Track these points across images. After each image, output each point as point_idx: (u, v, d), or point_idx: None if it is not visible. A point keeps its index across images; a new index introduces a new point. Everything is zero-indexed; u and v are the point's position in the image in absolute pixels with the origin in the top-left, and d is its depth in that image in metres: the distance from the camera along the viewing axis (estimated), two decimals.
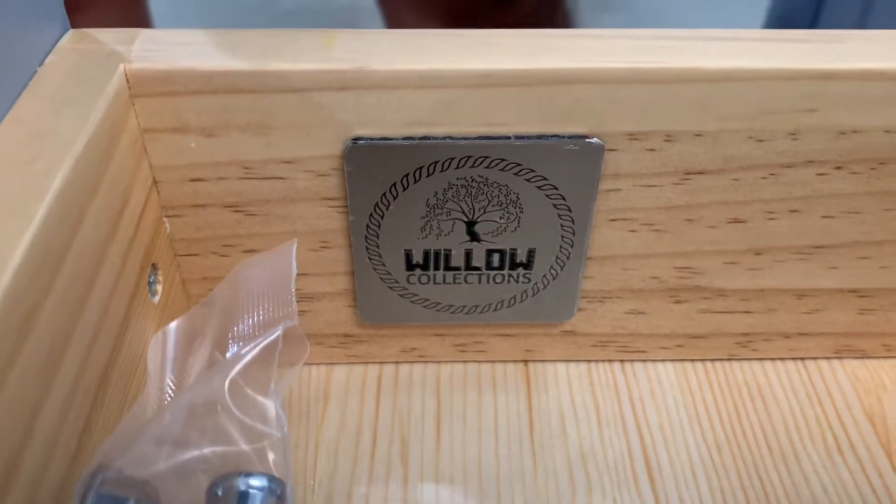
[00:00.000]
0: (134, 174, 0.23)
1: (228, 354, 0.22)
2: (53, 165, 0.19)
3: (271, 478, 0.20)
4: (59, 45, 0.23)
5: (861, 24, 0.69)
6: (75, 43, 0.24)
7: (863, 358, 0.31)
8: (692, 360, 0.31)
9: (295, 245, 0.23)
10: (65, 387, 0.19)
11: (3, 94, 0.21)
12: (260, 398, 0.22)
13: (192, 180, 0.25)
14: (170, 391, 0.23)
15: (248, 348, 0.21)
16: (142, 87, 0.23)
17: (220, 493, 0.20)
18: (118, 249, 0.22)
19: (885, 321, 0.30)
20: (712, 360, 0.31)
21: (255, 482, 0.20)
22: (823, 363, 0.31)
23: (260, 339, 0.21)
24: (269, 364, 0.22)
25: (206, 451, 0.21)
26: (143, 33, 0.24)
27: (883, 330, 0.30)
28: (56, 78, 0.22)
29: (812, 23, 0.74)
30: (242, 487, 0.20)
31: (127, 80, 0.22)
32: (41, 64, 0.23)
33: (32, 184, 0.19)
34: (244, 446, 0.21)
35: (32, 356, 0.17)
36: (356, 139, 0.24)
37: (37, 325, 0.18)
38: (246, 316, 0.22)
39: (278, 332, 0.21)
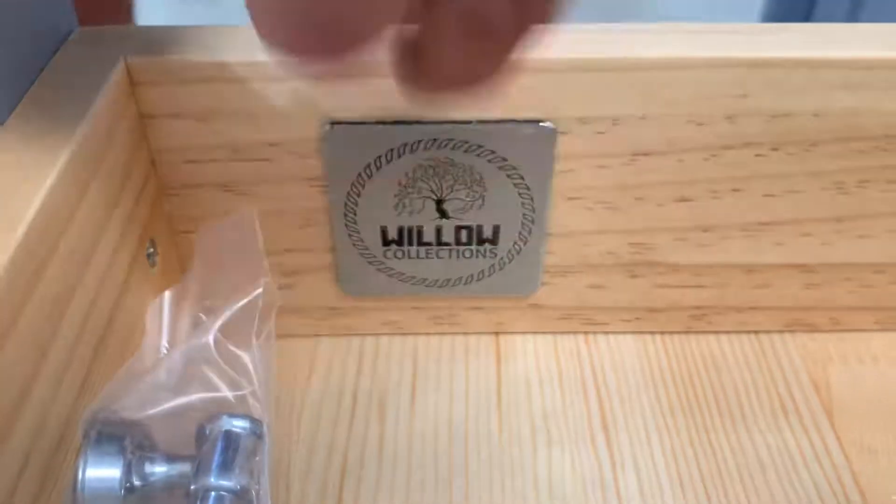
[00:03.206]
0: (133, 155, 0.26)
1: (210, 315, 0.25)
2: (61, 141, 0.22)
3: (252, 419, 0.23)
4: (68, 40, 0.26)
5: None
6: (82, 38, 0.26)
7: (812, 332, 0.33)
8: (651, 333, 0.33)
9: (255, 213, 0.25)
10: (69, 334, 0.22)
11: (21, 81, 0.24)
12: (242, 353, 0.24)
13: (188, 162, 0.27)
14: (164, 349, 0.26)
15: (228, 306, 0.24)
16: (141, 76, 0.25)
17: (207, 433, 0.23)
18: (118, 220, 0.25)
19: (830, 296, 0.32)
20: (670, 332, 0.33)
21: (239, 422, 0.23)
22: (775, 336, 0.33)
23: (239, 298, 0.24)
24: (249, 322, 0.24)
25: (195, 397, 0.23)
26: (142, 30, 0.27)
27: (829, 304, 0.32)
28: (66, 68, 0.25)
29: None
30: (227, 427, 0.23)
31: (128, 71, 0.25)
32: (53, 56, 0.25)
33: (43, 155, 0.21)
34: (228, 393, 0.24)
35: (41, 302, 0.20)
36: (334, 122, 0.26)
37: (45, 275, 0.20)
38: (222, 279, 0.25)
39: (258, 291, 0.24)
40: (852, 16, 0.73)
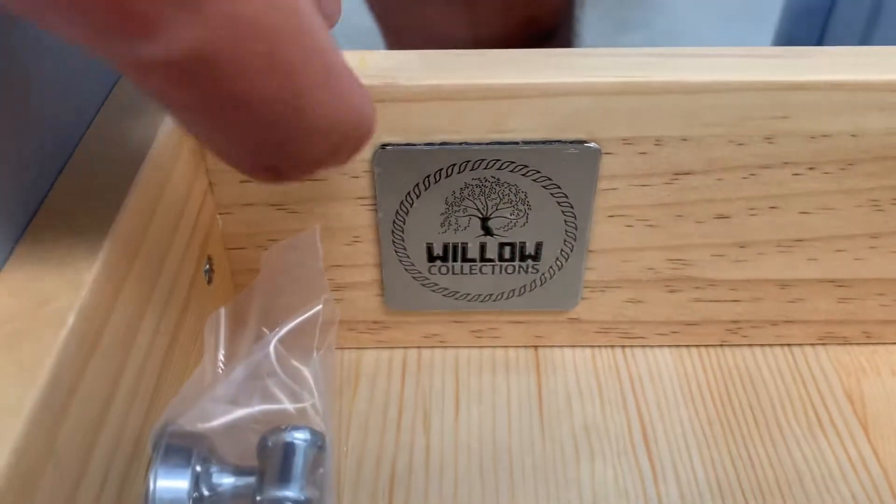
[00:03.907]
0: (194, 176, 0.27)
1: (272, 329, 0.26)
2: (133, 163, 0.23)
3: (313, 431, 0.24)
4: None
5: (864, 43, 0.72)
6: None
7: (844, 344, 0.34)
8: (687, 346, 0.34)
9: (318, 230, 0.26)
10: (140, 352, 0.23)
11: (90, 105, 0.25)
12: (303, 367, 0.25)
13: (242, 182, 0.28)
14: (221, 363, 0.27)
15: (289, 320, 0.25)
16: None
17: (270, 445, 0.24)
18: (181, 240, 0.26)
19: (863, 309, 0.33)
20: (706, 346, 0.34)
21: (300, 435, 0.24)
22: (808, 349, 0.34)
23: (300, 313, 0.25)
24: (310, 337, 0.25)
25: (257, 409, 0.24)
26: None
27: (862, 318, 0.33)
28: (129, 93, 0.26)
29: (818, 42, 0.77)
30: (289, 439, 0.24)
31: None
32: (117, 83, 0.26)
33: (115, 178, 0.22)
34: (289, 406, 0.24)
35: (118, 324, 0.21)
36: (384, 145, 0.27)
37: (121, 298, 0.21)
38: (285, 292, 0.26)
39: (319, 307, 0.25)
40: (865, 35, 0.73)
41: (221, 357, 0.28)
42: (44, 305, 0.19)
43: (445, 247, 0.30)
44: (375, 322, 0.33)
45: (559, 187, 0.28)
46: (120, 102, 0.26)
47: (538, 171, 0.28)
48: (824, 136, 0.27)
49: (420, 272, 0.31)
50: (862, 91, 0.26)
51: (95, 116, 0.25)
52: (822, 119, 0.27)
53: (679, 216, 0.29)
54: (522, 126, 0.27)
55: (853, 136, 0.27)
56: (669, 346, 0.34)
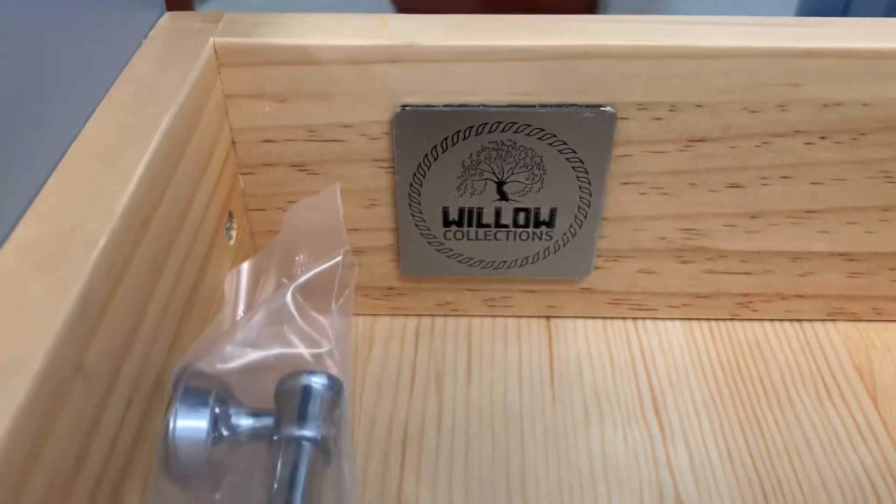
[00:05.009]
0: (218, 132, 0.28)
1: (292, 279, 0.26)
2: (161, 111, 0.23)
3: (330, 376, 0.24)
4: (158, 23, 0.28)
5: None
6: (172, 22, 0.28)
7: (854, 321, 0.34)
8: (698, 320, 0.34)
9: (339, 188, 0.27)
10: (164, 292, 0.23)
11: (118, 59, 0.26)
12: (321, 317, 0.26)
13: (265, 141, 0.29)
14: (241, 316, 0.28)
15: (308, 269, 0.25)
16: (227, 57, 0.27)
17: (287, 388, 0.24)
18: (204, 192, 0.26)
19: (873, 285, 0.33)
20: (716, 319, 0.34)
21: (317, 379, 0.24)
22: (818, 325, 0.34)
23: (319, 263, 0.25)
24: (329, 288, 0.26)
25: (274, 352, 0.25)
26: (227, 15, 0.28)
27: (872, 293, 0.33)
28: (158, 48, 0.27)
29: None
30: (306, 382, 0.24)
31: (215, 52, 0.27)
32: (145, 37, 0.27)
33: (146, 122, 0.23)
34: (305, 351, 0.25)
35: (144, 259, 0.22)
36: (404, 106, 0.28)
37: (148, 233, 0.22)
38: (305, 247, 0.26)
39: (338, 258, 0.25)
40: (890, 10, 0.73)
41: (241, 311, 0.28)
42: (76, 230, 0.19)
43: (461, 211, 0.30)
44: (390, 288, 0.33)
45: (574, 152, 0.29)
46: (148, 55, 0.26)
47: (554, 136, 0.28)
48: (836, 104, 0.28)
49: (435, 237, 0.31)
50: (874, 59, 0.27)
51: (125, 66, 0.26)
52: (834, 87, 0.27)
53: (692, 184, 0.30)
54: (539, 89, 0.27)
55: (865, 105, 0.28)
56: (680, 318, 0.34)
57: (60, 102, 0.22)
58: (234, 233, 0.30)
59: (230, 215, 0.29)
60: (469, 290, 0.34)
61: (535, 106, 0.28)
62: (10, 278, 0.18)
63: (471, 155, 0.29)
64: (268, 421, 0.24)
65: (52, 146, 0.22)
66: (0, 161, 0.19)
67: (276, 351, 0.25)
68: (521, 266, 0.32)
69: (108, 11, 0.25)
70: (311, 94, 0.28)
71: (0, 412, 0.15)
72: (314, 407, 0.24)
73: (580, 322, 0.34)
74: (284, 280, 0.26)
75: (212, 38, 0.27)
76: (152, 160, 0.22)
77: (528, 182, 0.30)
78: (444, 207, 0.30)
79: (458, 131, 0.28)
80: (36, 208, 0.20)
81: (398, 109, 0.28)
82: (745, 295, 0.33)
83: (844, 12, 0.75)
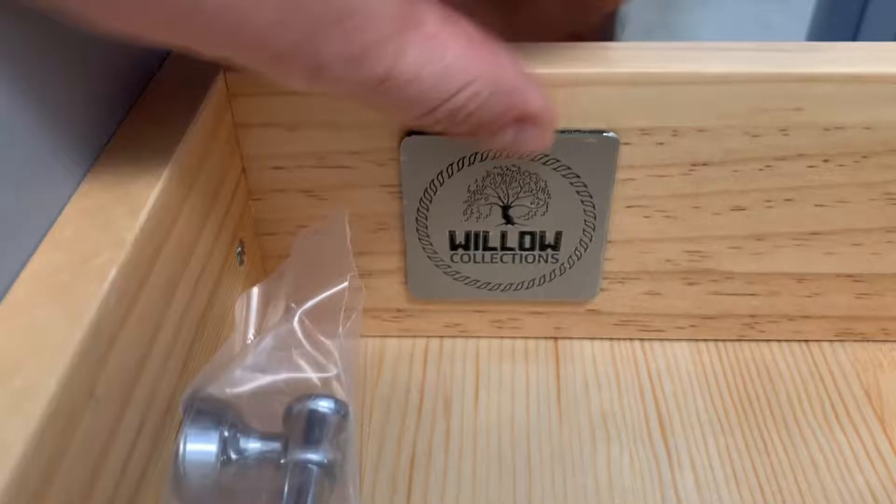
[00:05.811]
0: (229, 161, 0.28)
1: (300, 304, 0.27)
2: (172, 142, 0.24)
3: (337, 400, 0.25)
4: (170, 56, 0.29)
5: None
6: (183, 54, 0.29)
7: (863, 341, 0.34)
8: (705, 340, 0.34)
9: (346, 214, 0.27)
10: (175, 318, 0.24)
11: (131, 89, 0.26)
12: (328, 341, 0.26)
13: (274, 168, 0.30)
14: (251, 339, 0.28)
15: (316, 294, 0.26)
16: (237, 88, 0.28)
17: (295, 412, 0.25)
18: (215, 219, 0.27)
19: (881, 305, 0.33)
20: (724, 340, 0.34)
21: (324, 403, 0.25)
22: (826, 345, 0.34)
23: (326, 288, 0.26)
24: (335, 312, 0.26)
25: (282, 377, 0.25)
26: None
27: (880, 314, 0.33)
28: (171, 80, 0.28)
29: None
30: (313, 406, 0.25)
31: (226, 83, 0.28)
32: (159, 69, 0.28)
33: (156, 155, 0.24)
34: (313, 375, 0.25)
35: (155, 285, 0.22)
36: (410, 133, 0.28)
37: (159, 261, 0.22)
38: (313, 272, 0.27)
39: (345, 284, 0.26)
40: None
41: (251, 335, 0.29)
42: (88, 261, 0.20)
43: (467, 235, 0.31)
44: (399, 310, 0.34)
45: (578, 177, 0.29)
46: (161, 84, 0.27)
47: (558, 160, 0.29)
48: (838, 128, 0.28)
49: (443, 260, 0.32)
50: (876, 84, 0.27)
51: (141, 94, 0.26)
52: (835, 111, 0.28)
53: (696, 207, 0.30)
54: None
55: (867, 128, 0.28)
56: (687, 339, 0.34)
57: (73, 139, 0.23)
58: (244, 257, 0.30)
59: (241, 241, 0.30)
60: (477, 311, 0.34)
61: None
62: (25, 306, 0.19)
63: (476, 180, 0.29)
64: (275, 445, 0.24)
65: (68, 177, 0.22)
66: (16, 195, 0.20)
67: (285, 375, 0.25)
68: (527, 288, 0.32)
69: (117, 47, 0.26)
70: (319, 122, 0.28)
71: (15, 437, 0.16)
72: (321, 431, 0.24)
73: (587, 343, 0.34)
74: (293, 305, 0.27)
75: (222, 70, 0.28)
76: (163, 190, 0.23)
77: (532, 206, 0.30)
78: (450, 231, 0.31)
79: (464, 157, 0.29)
80: (51, 238, 0.21)
81: (404, 136, 0.29)
82: (752, 316, 0.33)
83: (857, 26, 0.75)
